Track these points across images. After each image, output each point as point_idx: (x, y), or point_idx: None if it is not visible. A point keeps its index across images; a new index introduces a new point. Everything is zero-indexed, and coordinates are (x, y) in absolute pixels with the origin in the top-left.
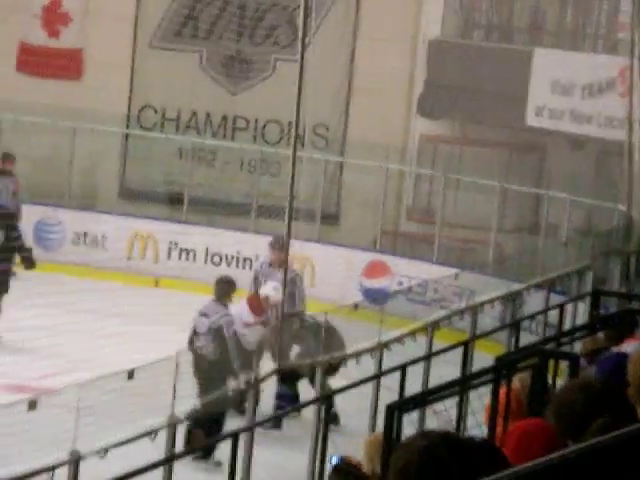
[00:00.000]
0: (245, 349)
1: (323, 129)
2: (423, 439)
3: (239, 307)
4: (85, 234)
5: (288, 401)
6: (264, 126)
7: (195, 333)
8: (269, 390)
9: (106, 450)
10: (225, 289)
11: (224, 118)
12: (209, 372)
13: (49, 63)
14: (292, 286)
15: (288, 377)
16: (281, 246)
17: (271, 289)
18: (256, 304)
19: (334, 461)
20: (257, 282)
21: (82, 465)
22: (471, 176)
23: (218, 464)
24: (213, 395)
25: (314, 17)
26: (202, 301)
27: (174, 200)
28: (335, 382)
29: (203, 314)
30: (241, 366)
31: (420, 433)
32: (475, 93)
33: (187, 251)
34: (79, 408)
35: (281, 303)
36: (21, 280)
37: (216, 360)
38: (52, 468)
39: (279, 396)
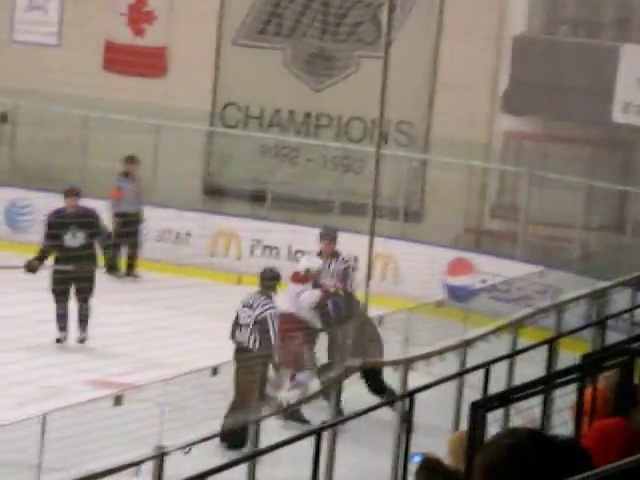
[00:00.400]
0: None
1: (407, 126)
2: (510, 437)
3: (291, 293)
4: (169, 231)
5: None
6: (347, 123)
7: (237, 324)
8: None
9: (191, 446)
10: (270, 281)
11: (307, 115)
12: (250, 364)
13: (134, 61)
14: (345, 277)
15: None
16: (331, 237)
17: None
18: (298, 278)
19: (417, 459)
20: None
21: (167, 460)
22: (556, 173)
23: None
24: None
25: (398, 13)
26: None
27: (257, 197)
28: (418, 379)
29: (247, 305)
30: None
31: (507, 431)
32: (560, 89)
33: (270, 248)
34: (164, 404)
35: (337, 293)
36: (104, 277)
37: (258, 352)
38: (138, 463)
39: None
